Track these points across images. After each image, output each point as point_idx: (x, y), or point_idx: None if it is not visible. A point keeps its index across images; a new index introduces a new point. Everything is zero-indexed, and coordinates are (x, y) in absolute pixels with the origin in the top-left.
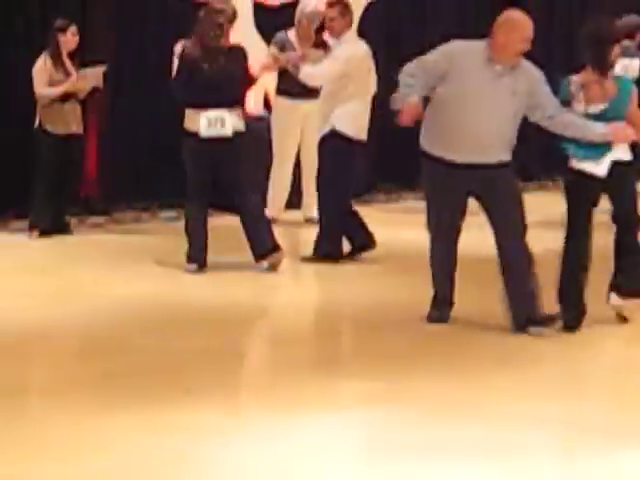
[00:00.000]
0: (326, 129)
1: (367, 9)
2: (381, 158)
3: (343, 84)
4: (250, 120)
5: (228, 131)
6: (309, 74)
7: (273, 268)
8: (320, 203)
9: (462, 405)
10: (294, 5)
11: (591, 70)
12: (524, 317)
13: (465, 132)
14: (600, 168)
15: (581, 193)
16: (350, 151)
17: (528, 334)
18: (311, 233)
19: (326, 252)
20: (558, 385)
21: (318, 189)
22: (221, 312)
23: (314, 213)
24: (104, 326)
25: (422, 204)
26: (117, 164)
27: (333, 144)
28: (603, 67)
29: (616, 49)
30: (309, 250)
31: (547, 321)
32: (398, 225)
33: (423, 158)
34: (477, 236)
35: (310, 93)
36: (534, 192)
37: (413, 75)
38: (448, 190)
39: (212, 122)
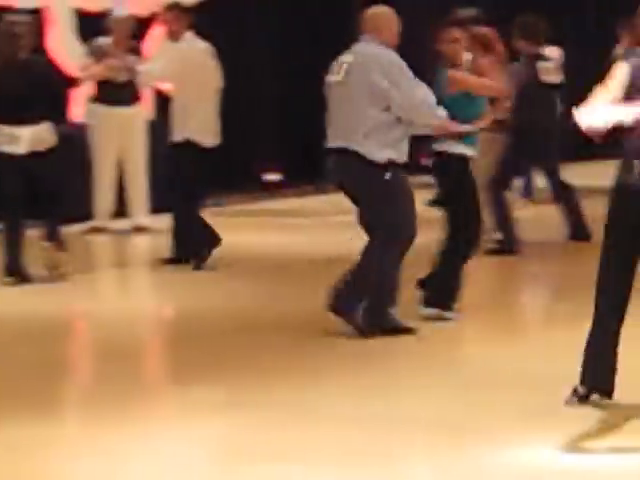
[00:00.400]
0: (178, 138)
1: None
2: None
3: (188, 90)
4: (75, 128)
5: (21, 149)
6: (148, 72)
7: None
8: (175, 210)
9: (302, 410)
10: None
11: None
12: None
13: None
14: None
15: None
16: (204, 159)
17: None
18: (141, 240)
19: (182, 255)
20: (404, 383)
21: (173, 196)
22: (52, 323)
23: (142, 220)
24: None
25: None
26: None
27: (188, 153)
28: None
29: None
30: (138, 258)
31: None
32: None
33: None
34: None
35: (127, 100)
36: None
37: None
38: None
39: (5, 139)
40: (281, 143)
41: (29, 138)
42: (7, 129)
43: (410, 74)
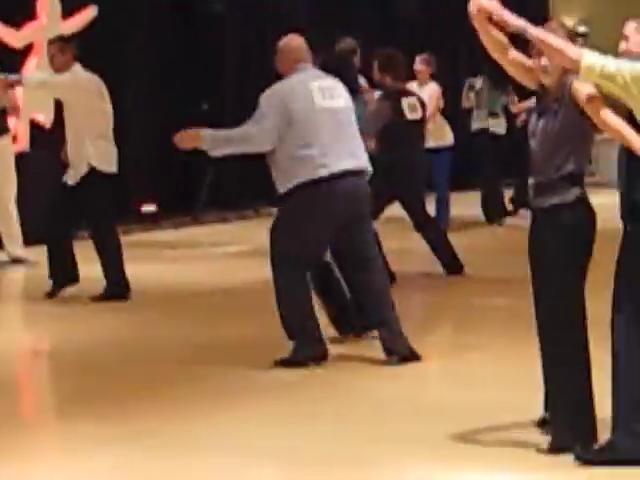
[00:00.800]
0: (84, 169)
1: None
2: None
3: (79, 119)
4: None
5: None
6: (39, 79)
7: None
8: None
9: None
10: None
11: None
12: None
13: None
14: None
15: None
16: (110, 185)
17: None
18: (17, 272)
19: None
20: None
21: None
22: None
23: (18, 251)
24: None
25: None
26: None
27: (96, 182)
28: None
29: None
30: (16, 290)
31: None
32: None
33: None
34: None
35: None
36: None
37: None
38: None
39: None
40: (157, 174)
41: None
42: None
43: None
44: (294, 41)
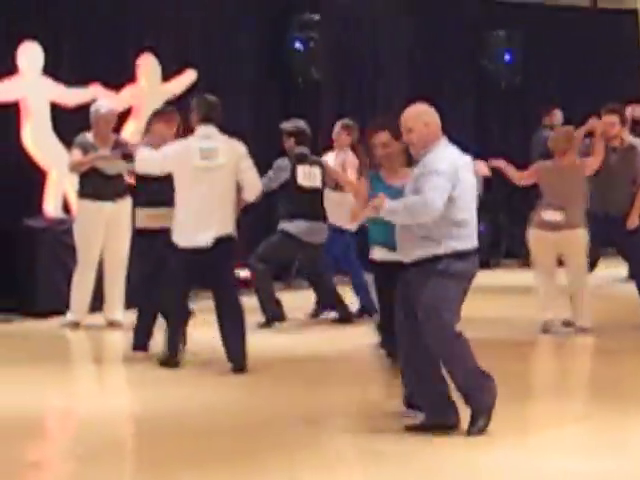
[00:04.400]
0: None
1: None
2: None
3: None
4: (50, 223)
5: None
6: (145, 158)
7: None
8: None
9: None
10: (88, 105)
11: None
12: None
13: None
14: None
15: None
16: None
17: None
18: (115, 336)
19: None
20: None
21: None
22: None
23: (117, 316)
24: None
25: None
26: None
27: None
28: None
29: None
30: (113, 353)
31: None
32: None
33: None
34: None
35: (115, 195)
36: None
37: None
38: None
39: None
40: (253, 240)
41: None
42: None
43: None
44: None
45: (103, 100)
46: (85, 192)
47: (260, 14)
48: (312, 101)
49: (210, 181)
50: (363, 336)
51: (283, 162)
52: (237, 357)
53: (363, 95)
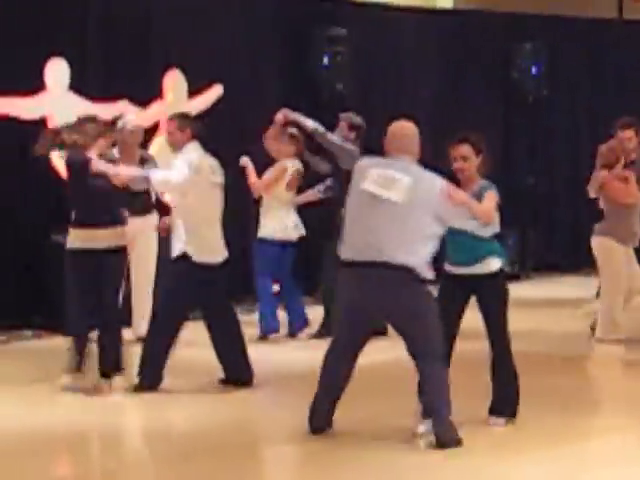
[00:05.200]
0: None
1: None
2: None
3: (189, 205)
4: None
5: None
6: (162, 178)
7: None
8: None
9: None
10: (114, 122)
11: None
12: None
13: None
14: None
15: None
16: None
17: None
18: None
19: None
20: None
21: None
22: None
23: (145, 331)
24: None
25: None
26: None
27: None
28: None
29: None
30: None
31: None
32: None
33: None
34: None
35: (141, 210)
36: None
37: None
38: None
39: None
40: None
41: None
42: None
43: None
44: None
45: (129, 116)
46: None
47: (286, 29)
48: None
49: (219, 198)
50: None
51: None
52: (242, 370)
53: (388, 109)
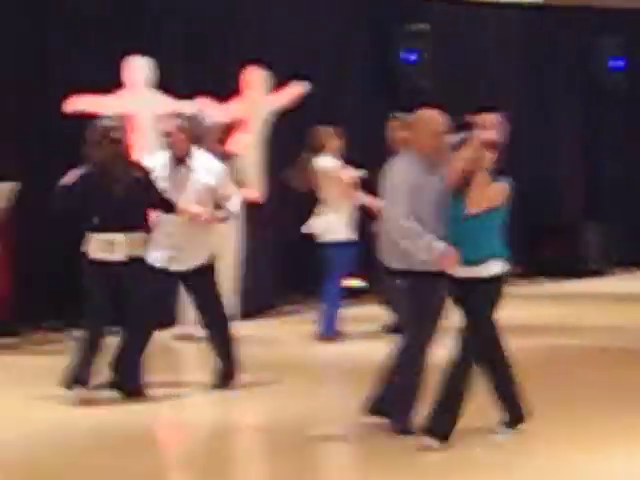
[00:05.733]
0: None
1: None
2: None
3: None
4: None
5: (116, 256)
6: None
7: None
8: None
9: None
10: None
11: None
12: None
13: None
14: None
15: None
16: None
17: None
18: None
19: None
20: None
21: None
22: (136, 433)
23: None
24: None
25: None
26: (28, 283)
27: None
28: None
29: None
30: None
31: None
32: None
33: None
34: None
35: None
36: None
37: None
38: None
39: (100, 245)
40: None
41: (124, 245)
42: (103, 235)
43: None
44: None
45: (208, 112)
46: None
47: (370, 26)
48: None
49: None
50: None
51: None
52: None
53: (471, 105)
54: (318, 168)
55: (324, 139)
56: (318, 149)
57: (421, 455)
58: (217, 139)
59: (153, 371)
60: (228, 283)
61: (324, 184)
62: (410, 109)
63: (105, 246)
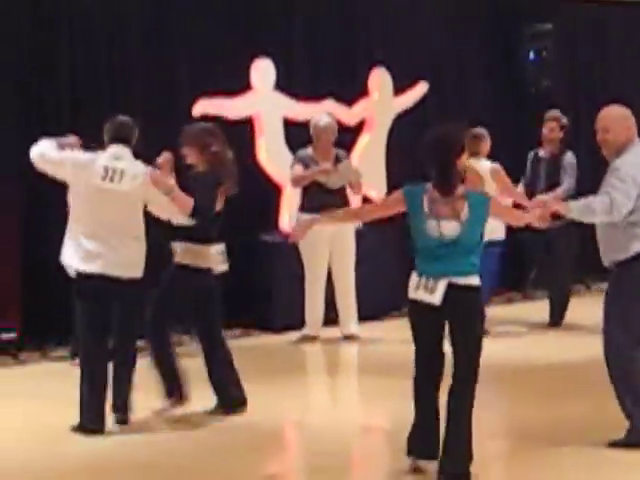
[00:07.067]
0: None
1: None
2: None
3: None
4: (285, 237)
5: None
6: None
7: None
8: None
9: None
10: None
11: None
12: None
13: None
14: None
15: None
16: None
17: None
18: (350, 349)
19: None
20: None
21: None
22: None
23: (352, 329)
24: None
25: None
26: None
27: None
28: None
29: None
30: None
31: None
32: None
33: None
34: None
35: (338, 208)
36: None
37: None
38: None
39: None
40: None
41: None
42: (221, 246)
43: None
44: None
45: (323, 114)
46: (309, 206)
47: (491, 26)
48: (544, 110)
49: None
50: None
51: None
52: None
53: (594, 103)
54: (479, 171)
55: (481, 142)
56: (477, 152)
57: None
58: (331, 140)
59: (278, 373)
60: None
61: (483, 186)
62: (537, 108)
63: (223, 257)
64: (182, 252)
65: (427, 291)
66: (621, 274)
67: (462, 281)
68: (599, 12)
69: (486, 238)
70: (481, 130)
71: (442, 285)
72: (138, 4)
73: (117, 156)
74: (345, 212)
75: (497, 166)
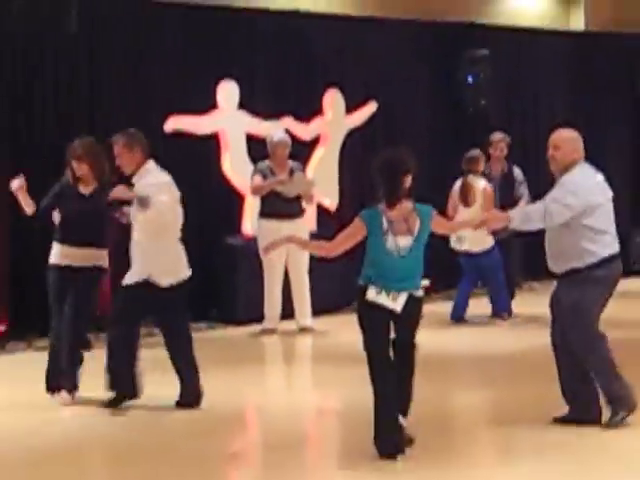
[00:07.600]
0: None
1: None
2: None
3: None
4: (248, 240)
5: None
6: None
7: None
8: None
9: None
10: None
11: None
12: None
13: None
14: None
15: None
16: None
17: None
18: (305, 340)
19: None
20: None
21: None
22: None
23: (307, 322)
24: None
25: None
26: None
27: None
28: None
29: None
30: (303, 356)
31: None
32: None
33: None
34: None
35: (291, 215)
36: None
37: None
38: None
39: None
40: None
41: None
42: None
43: None
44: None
45: (277, 130)
46: (267, 212)
47: (434, 51)
48: (482, 128)
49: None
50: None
51: None
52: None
53: (527, 121)
54: (479, 189)
55: (477, 162)
56: (476, 170)
57: None
58: (286, 154)
59: (239, 362)
60: None
61: (480, 202)
62: (474, 124)
63: None
64: None
65: (389, 299)
66: (576, 280)
67: (417, 294)
68: (528, 37)
69: (477, 249)
70: (476, 151)
71: (404, 297)
72: (118, 29)
73: None
74: (317, 246)
75: (489, 188)
